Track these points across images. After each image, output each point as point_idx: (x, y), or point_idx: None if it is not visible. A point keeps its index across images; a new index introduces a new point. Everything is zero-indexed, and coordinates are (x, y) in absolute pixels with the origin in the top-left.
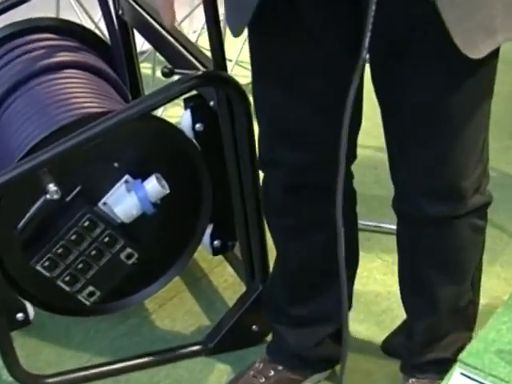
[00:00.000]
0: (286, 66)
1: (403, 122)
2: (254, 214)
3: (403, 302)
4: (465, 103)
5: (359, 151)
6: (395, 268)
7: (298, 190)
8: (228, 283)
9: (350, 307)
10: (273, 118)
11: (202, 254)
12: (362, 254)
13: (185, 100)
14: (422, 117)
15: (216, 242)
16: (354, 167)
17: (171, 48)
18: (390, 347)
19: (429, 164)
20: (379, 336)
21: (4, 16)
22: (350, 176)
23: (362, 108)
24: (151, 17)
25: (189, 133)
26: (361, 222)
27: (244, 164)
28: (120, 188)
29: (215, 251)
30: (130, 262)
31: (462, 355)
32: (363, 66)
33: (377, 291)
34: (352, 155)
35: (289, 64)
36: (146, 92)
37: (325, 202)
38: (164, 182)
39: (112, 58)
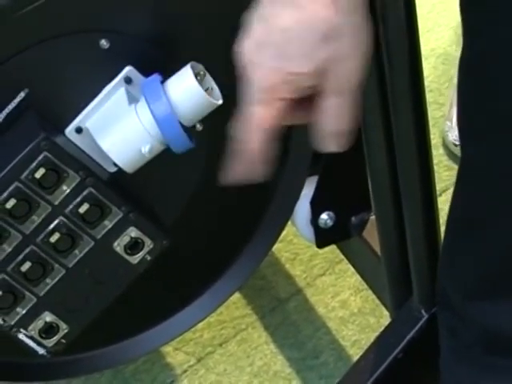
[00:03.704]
0: None
1: None
2: (414, 155)
3: None
4: None
5: None
6: None
7: None
8: (346, 308)
9: None
10: None
11: (293, 246)
12: None
13: None
14: None
15: (324, 218)
16: None
17: None
18: None
19: None
20: None
21: None
22: None
23: None
24: None
25: None
26: None
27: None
28: (113, 96)
29: (321, 237)
30: (136, 259)
31: None
32: None
33: None
34: None
35: None
36: None
37: None
38: (211, 81)
39: None
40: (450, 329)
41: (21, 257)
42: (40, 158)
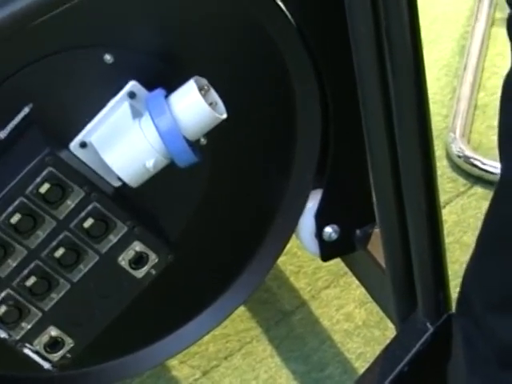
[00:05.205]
0: None
1: None
2: (419, 167)
3: None
4: None
5: None
6: None
7: None
8: (351, 321)
9: None
10: None
11: (297, 258)
12: None
13: None
14: None
15: (329, 231)
16: None
17: None
18: None
19: None
20: None
21: None
22: None
23: None
24: None
25: None
26: None
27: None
28: (117, 110)
29: (326, 250)
30: (141, 273)
31: None
32: None
33: None
34: None
35: None
36: None
37: None
38: (215, 95)
39: None
40: (466, 337)
41: (26, 272)
42: (45, 172)
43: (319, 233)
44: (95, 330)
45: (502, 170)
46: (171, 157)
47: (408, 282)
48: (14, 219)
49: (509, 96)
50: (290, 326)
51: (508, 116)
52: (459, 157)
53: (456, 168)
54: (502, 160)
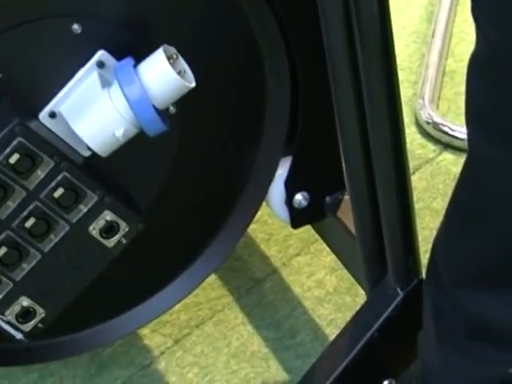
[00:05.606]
0: None
1: None
2: (388, 134)
3: None
4: None
5: None
6: None
7: None
8: (322, 287)
9: None
10: None
11: (268, 226)
12: None
13: None
14: None
15: (299, 198)
16: None
17: None
18: None
19: None
20: None
21: None
22: None
23: None
24: None
25: None
26: None
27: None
28: (86, 80)
29: (296, 217)
30: (111, 243)
31: None
32: None
33: None
34: None
35: None
36: None
37: None
38: (184, 64)
39: None
40: (435, 307)
41: None
42: (14, 143)
43: (289, 200)
44: (66, 299)
45: (470, 145)
46: (140, 126)
47: (378, 248)
48: None
49: (476, 70)
50: (261, 294)
51: (472, 85)
52: (428, 123)
53: (425, 134)
54: (468, 134)
